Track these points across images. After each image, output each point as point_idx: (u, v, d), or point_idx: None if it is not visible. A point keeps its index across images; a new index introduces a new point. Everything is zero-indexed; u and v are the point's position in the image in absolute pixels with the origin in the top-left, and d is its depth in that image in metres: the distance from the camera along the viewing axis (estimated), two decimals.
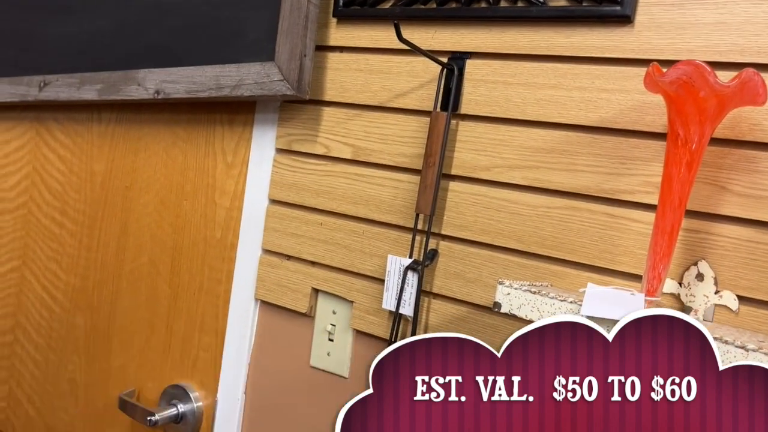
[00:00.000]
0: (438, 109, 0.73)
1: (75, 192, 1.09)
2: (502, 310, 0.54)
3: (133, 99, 0.93)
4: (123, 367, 1.03)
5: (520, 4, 0.69)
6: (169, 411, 0.93)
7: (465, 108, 0.73)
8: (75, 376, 1.09)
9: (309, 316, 0.85)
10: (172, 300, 0.98)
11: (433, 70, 0.75)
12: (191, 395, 0.94)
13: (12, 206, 1.17)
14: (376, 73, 0.79)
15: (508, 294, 0.53)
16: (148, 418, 0.90)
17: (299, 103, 0.85)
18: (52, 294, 1.12)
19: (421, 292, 0.74)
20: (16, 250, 1.16)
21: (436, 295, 0.75)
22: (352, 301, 0.81)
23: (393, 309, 0.75)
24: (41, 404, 1.13)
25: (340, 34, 0.82)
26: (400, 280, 0.75)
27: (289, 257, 0.86)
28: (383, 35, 0.78)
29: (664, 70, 0.51)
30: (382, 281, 0.78)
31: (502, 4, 0.70)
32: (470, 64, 0.73)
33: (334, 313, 0.83)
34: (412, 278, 0.74)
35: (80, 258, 1.08)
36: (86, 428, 1.07)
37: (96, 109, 1.07)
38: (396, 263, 0.75)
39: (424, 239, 0.74)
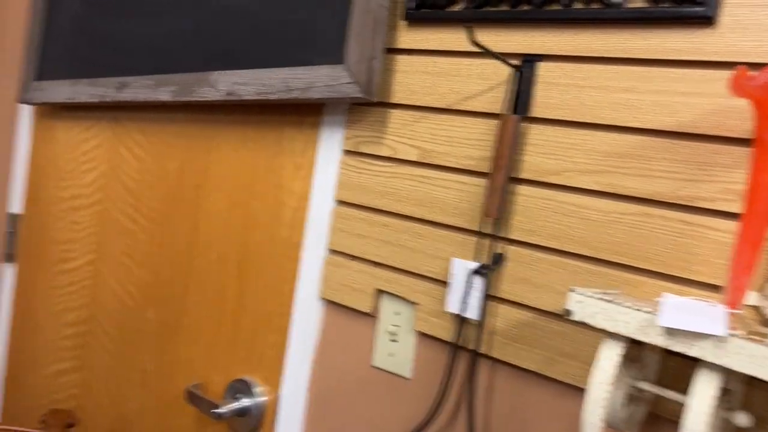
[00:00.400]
0: (508, 112, 0.72)
1: (148, 189, 1.13)
2: (575, 318, 0.53)
3: (206, 100, 0.96)
4: (191, 360, 1.06)
5: (594, 6, 0.68)
6: (233, 404, 0.95)
7: (535, 111, 0.72)
8: (145, 366, 1.13)
9: (372, 316, 0.86)
10: (239, 297, 1.00)
11: (503, 72, 0.74)
12: (255, 390, 0.96)
13: (89, 202, 1.22)
14: (445, 75, 0.79)
15: (581, 302, 0.52)
16: (214, 411, 0.93)
17: (367, 105, 0.85)
18: (125, 287, 1.16)
19: (487, 295, 0.73)
20: (92, 244, 1.22)
21: (502, 300, 0.74)
22: (415, 303, 0.81)
23: (457, 312, 0.75)
24: (114, 392, 1.18)
25: (409, 37, 0.82)
26: (465, 283, 0.74)
27: (353, 257, 0.87)
28: (452, 38, 0.78)
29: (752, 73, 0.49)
30: (445, 283, 0.78)
31: (576, 6, 0.69)
32: (542, 67, 0.72)
33: (397, 314, 0.84)
34: (478, 282, 0.73)
35: (152, 253, 1.12)
36: (155, 417, 1.11)
37: (170, 110, 1.10)
38: (461, 266, 0.75)
39: (491, 243, 0.74)
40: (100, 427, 1.18)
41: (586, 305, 0.51)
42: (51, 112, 1.31)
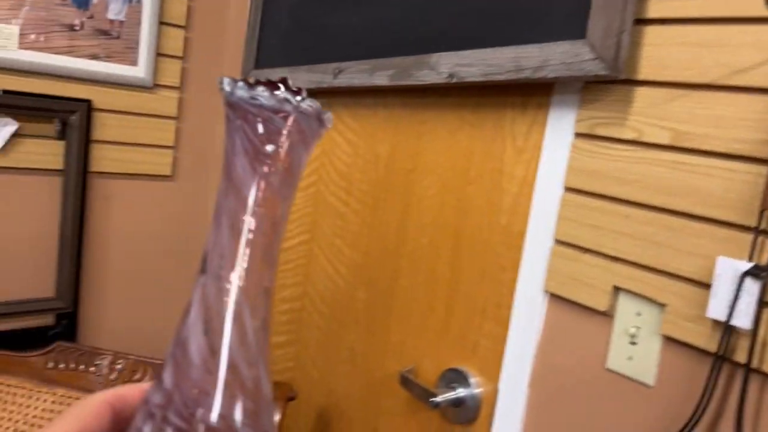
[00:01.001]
0: None
1: (360, 173, 1.14)
2: None
3: (424, 83, 0.94)
4: (400, 343, 1.06)
5: None
6: (449, 394, 0.94)
7: None
8: (355, 345, 1.15)
9: (607, 315, 0.79)
10: (452, 283, 0.98)
11: None
12: (471, 380, 0.93)
13: (303, 184, 1.27)
14: (707, 46, 0.69)
15: None
16: (432, 400, 0.92)
17: (606, 83, 0.77)
18: (336, 268, 1.19)
19: (762, 302, 0.63)
20: (305, 225, 1.26)
21: None
22: (663, 304, 0.73)
23: (722, 318, 0.66)
24: (324, 368, 1.22)
25: (662, 5, 0.72)
26: (734, 287, 0.65)
27: (586, 250, 0.80)
28: (719, 2, 0.68)
29: None
30: (703, 285, 0.69)
31: None
32: None
33: (638, 314, 0.76)
34: (751, 285, 0.64)
35: (363, 236, 1.14)
36: (364, 396, 1.13)
37: (382, 94, 1.10)
38: (728, 266, 0.65)
39: None
40: (314, 400, 1.23)
41: None
42: None
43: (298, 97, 0.33)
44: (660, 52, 0.73)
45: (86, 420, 0.32)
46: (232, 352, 0.31)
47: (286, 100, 0.33)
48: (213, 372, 0.31)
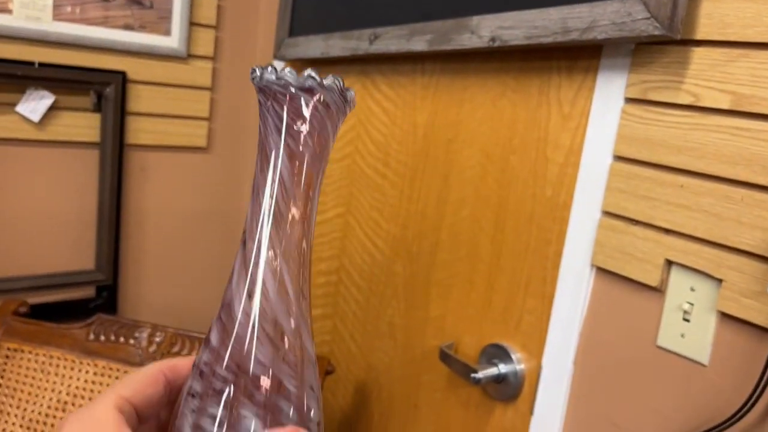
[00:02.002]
0: None
1: (397, 144, 1.11)
2: None
3: (465, 48, 0.90)
4: (440, 318, 1.04)
5: None
6: (490, 370, 0.91)
7: None
8: (393, 320, 1.13)
9: (658, 290, 0.75)
10: (494, 257, 0.95)
11: None
12: (513, 356, 0.91)
13: (339, 156, 1.24)
14: None
15: None
16: (473, 375, 0.90)
17: (660, 44, 0.73)
18: (374, 241, 1.17)
19: None
20: (341, 197, 1.24)
21: None
22: (720, 279, 0.69)
23: None
24: (362, 342, 1.21)
25: None
26: None
27: (636, 222, 0.76)
28: None
29: None
30: (764, 259, 0.65)
31: None
32: None
33: (692, 290, 0.72)
34: None
35: (401, 208, 1.11)
36: (404, 370, 1.12)
37: (420, 60, 1.06)
38: None
39: None
40: (352, 374, 1.23)
41: None
42: (301, 67, 1.35)
43: (323, 78, 0.36)
44: (720, 9, 0.67)
45: (142, 386, 0.35)
46: (274, 310, 0.34)
47: (311, 77, 0.35)
48: (255, 328, 0.34)
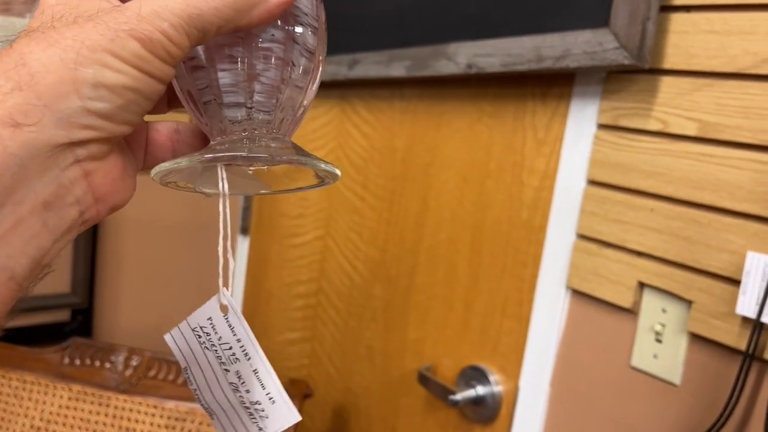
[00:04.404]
0: None
1: (376, 167, 1.13)
2: None
3: (442, 74, 0.92)
4: (419, 341, 1.05)
5: None
6: (468, 392, 0.92)
7: None
8: (372, 343, 1.14)
9: (632, 311, 0.77)
10: (471, 279, 0.96)
11: None
12: (491, 378, 0.92)
13: None
14: (737, 34, 0.66)
15: None
16: (451, 398, 0.90)
17: (630, 73, 0.75)
18: (353, 263, 1.18)
19: None
20: (320, 220, 1.25)
21: None
22: (690, 301, 0.70)
23: (751, 316, 0.64)
24: (340, 365, 1.21)
25: None
26: (764, 283, 0.62)
27: (609, 245, 0.78)
28: None
29: None
30: (732, 281, 0.67)
31: None
32: None
33: (664, 311, 0.74)
34: None
35: (380, 231, 1.12)
36: (382, 394, 1.12)
37: (398, 86, 1.08)
38: (758, 262, 0.63)
39: None
40: (331, 397, 1.22)
41: None
42: None
43: None
44: (686, 41, 0.70)
45: None
46: None
47: None
48: None
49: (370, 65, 1.04)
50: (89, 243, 1.31)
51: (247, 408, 0.36)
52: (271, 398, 0.36)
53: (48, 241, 0.28)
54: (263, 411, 0.36)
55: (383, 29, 1.04)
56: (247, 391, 0.36)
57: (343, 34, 1.12)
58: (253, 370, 0.36)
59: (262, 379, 0.36)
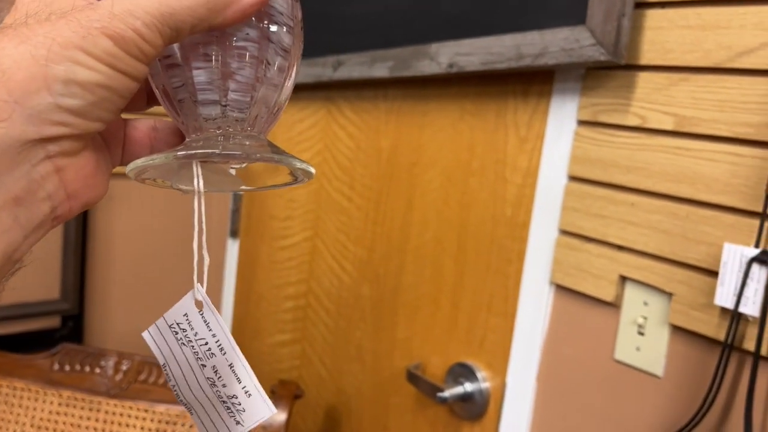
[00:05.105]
0: None
1: (362, 168, 1.13)
2: None
3: (424, 74, 0.92)
4: (408, 340, 1.05)
5: None
6: (456, 389, 0.93)
7: None
8: (362, 343, 1.14)
9: (614, 305, 0.77)
10: (457, 277, 0.97)
11: None
12: (478, 375, 0.92)
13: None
14: (711, 29, 0.67)
15: None
16: (439, 395, 0.91)
17: (608, 69, 0.76)
18: (341, 264, 1.18)
19: None
20: (309, 221, 1.25)
21: None
22: (670, 293, 0.71)
23: (729, 306, 0.65)
24: (331, 366, 1.21)
25: None
26: (741, 274, 0.63)
27: (591, 240, 0.79)
28: None
29: None
30: (710, 272, 0.68)
31: None
32: None
33: (645, 304, 0.74)
34: (759, 272, 0.62)
35: (367, 231, 1.13)
36: (373, 393, 1.12)
37: (382, 86, 1.09)
38: (735, 253, 0.64)
39: None
40: (321, 398, 1.23)
41: None
42: None
43: None
44: (661, 36, 0.71)
45: None
46: None
47: None
48: None
49: (354, 66, 1.05)
50: (78, 249, 1.31)
51: (224, 402, 0.37)
52: (247, 392, 0.36)
53: (19, 236, 0.28)
54: (240, 405, 0.36)
55: (366, 30, 1.04)
56: (224, 386, 0.36)
57: (328, 35, 1.12)
58: (229, 365, 0.36)
59: (238, 373, 0.36)
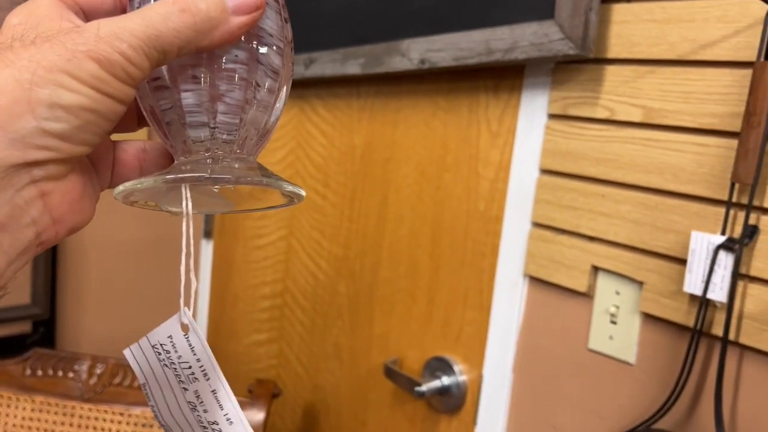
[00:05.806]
0: (765, 59, 0.61)
1: (336, 165, 1.13)
2: None
3: (396, 70, 0.93)
4: (384, 335, 1.06)
5: None
6: (434, 383, 0.93)
7: None
8: (339, 340, 1.14)
9: (587, 295, 0.79)
10: (433, 272, 0.98)
11: (755, 13, 0.63)
12: (455, 368, 0.93)
13: None
14: (675, 22, 0.69)
15: None
16: (417, 389, 0.91)
17: (577, 63, 0.77)
18: (316, 262, 1.18)
19: (736, 274, 0.63)
20: (283, 220, 1.25)
21: (755, 279, 0.64)
22: (641, 282, 0.73)
23: (698, 293, 0.66)
24: (308, 364, 1.21)
25: None
26: (708, 260, 0.65)
27: (563, 231, 0.80)
28: None
29: None
30: (679, 260, 0.69)
31: None
32: None
33: (617, 293, 0.76)
34: (725, 258, 0.64)
35: (342, 228, 1.13)
36: (351, 390, 1.12)
37: (355, 84, 1.09)
38: (702, 241, 0.66)
39: (744, 213, 0.63)
40: (300, 397, 1.23)
41: None
42: None
43: None
44: (627, 30, 0.73)
45: None
46: None
47: None
48: None
49: (326, 64, 1.05)
50: (48, 253, 1.29)
51: (205, 428, 0.36)
52: (228, 419, 0.36)
53: (2, 262, 0.28)
54: (220, 431, 0.36)
55: (337, 27, 1.04)
56: (205, 411, 0.36)
57: (299, 33, 1.12)
58: (212, 391, 0.35)
59: (221, 399, 0.35)
